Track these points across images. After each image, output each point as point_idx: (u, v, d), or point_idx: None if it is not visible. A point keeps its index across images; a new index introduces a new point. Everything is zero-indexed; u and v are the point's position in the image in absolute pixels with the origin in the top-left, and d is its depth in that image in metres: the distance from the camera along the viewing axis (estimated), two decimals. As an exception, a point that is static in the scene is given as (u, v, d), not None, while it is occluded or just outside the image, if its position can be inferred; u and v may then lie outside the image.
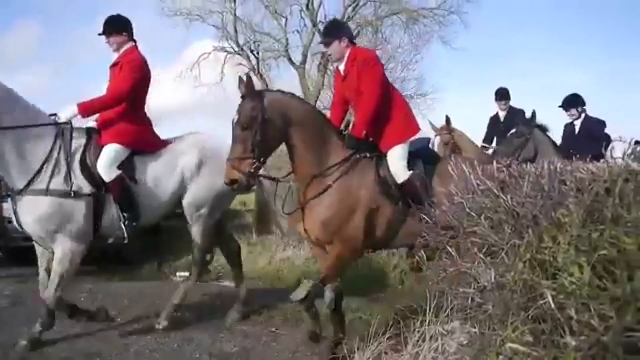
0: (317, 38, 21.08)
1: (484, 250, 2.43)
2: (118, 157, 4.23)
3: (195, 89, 21.41)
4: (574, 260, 1.80)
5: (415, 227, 3.66)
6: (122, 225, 4.24)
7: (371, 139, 3.82)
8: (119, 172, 4.18)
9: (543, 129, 5.98)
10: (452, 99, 34.24)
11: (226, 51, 21.51)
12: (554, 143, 6.03)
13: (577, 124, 6.34)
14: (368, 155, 3.73)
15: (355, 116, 3.92)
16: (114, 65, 4.44)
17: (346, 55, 3.88)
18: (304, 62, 20.96)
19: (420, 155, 3.91)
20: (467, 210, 2.71)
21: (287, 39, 21.11)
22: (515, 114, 6.78)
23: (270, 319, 4.76)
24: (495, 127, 7.05)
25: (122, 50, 4.40)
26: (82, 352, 3.96)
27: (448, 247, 2.67)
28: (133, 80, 4.29)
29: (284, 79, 23.96)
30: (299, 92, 21.51)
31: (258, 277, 6.52)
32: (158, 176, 4.40)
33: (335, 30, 4.05)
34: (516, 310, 1.93)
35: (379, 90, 3.75)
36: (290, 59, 21.25)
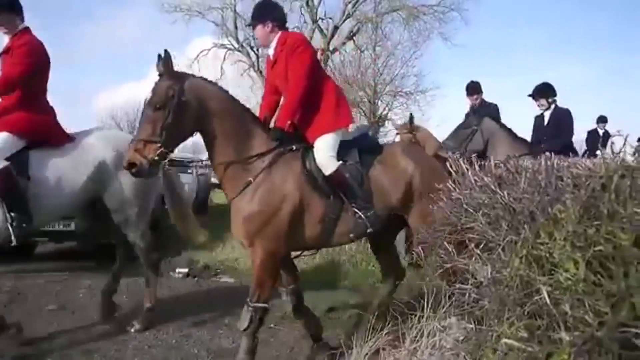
0: (317, 35, 21.15)
1: (481, 246, 2.44)
2: (6, 148, 3.80)
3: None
4: (570, 256, 1.80)
5: (351, 222, 3.48)
6: (9, 227, 3.79)
7: (299, 129, 3.55)
8: (6, 163, 3.75)
9: (496, 119, 5.76)
10: (452, 95, 34.28)
11: (226, 48, 21.56)
12: (511, 133, 5.80)
13: (547, 115, 6.17)
14: (294, 147, 3.44)
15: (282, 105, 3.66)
16: (4, 52, 4.02)
17: (275, 40, 3.59)
18: (303, 58, 20.96)
19: (359, 145, 3.63)
20: (465, 206, 2.71)
21: (287, 36, 21.10)
22: (486, 108, 6.53)
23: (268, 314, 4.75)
24: None
25: (13, 33, 3.99)
26: (80, 347, 3.98)
27: (445, 244, 2.68)
28: (25, 66, 3.89)
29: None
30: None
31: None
32: (61, 173, 3.97)
33: (260, 13, 3.66)
34: (512, 306, 1.93)
35: (306, 77, 3.45)
36: (290, 56, 21.23)
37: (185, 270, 6.63)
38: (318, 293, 5.31)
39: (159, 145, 3.08)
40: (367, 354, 3.14)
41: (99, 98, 56.13)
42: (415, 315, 3.02)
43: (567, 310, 1.62)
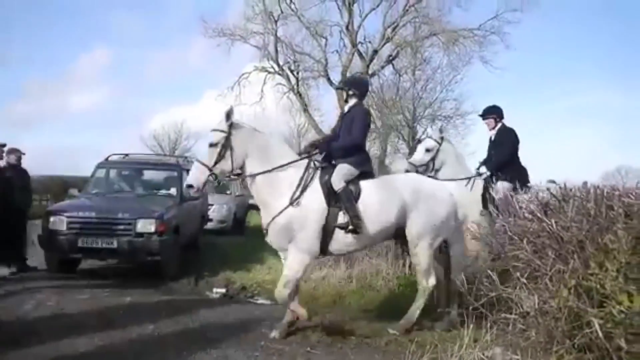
0: (357, 58, 21.32)
1: (526, 275, 2.37)
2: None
3: (235, 108, 21.84)
4: (623, 288, 1.73)
5: None
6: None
7: None
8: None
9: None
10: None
11: (267, 71, 21.91)
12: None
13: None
14: None
15: None
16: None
17: None
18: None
19: None
20: (509, 233, 2.65)
21: (326, 59, 21.40)
22: None
23: (305, 338, 4.71)
24: None
25: None
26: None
27: (489, 272, 2.62)
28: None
29: (323, 99, 24.26)
30: (337, 112, 21.75)
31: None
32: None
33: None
34: (561, 338, 1.87)
35: None
36: (329, 79, 21.47)
37: (223, 290, 6.67)
38: (355, 318, 5.26)
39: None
40: (405, 382, 3.08)
41: (153, 120, 58.48)
42: (456, 344, 2.95)
43: (622, 345, 1.55)
